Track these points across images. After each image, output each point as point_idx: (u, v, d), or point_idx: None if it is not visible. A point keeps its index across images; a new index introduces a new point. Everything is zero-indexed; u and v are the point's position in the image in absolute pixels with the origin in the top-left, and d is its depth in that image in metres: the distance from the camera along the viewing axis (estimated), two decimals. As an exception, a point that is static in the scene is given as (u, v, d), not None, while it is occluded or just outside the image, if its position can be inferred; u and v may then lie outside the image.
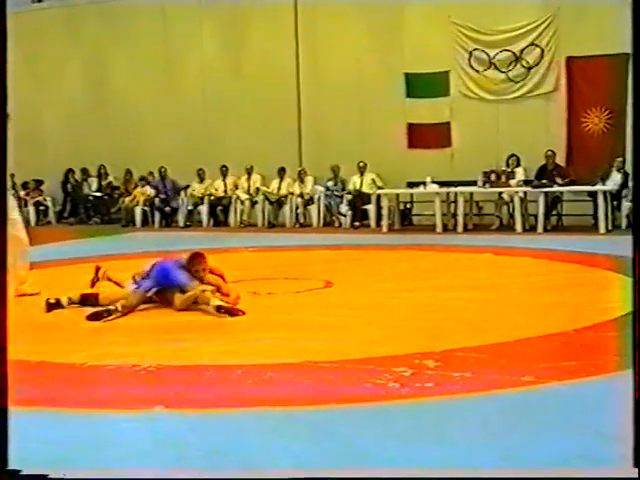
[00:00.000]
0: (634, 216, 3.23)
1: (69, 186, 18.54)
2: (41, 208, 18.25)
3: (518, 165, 14.27)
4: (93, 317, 6.61)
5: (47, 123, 18.21)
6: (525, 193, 13.75)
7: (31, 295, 7.88)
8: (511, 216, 14.04)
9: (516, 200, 13.64)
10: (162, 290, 7.08)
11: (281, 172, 16.18)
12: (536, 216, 13.48)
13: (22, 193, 17.76)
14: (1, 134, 2.97)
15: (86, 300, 7.09)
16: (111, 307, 6.75)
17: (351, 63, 16.07)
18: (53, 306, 7.03)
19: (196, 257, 7.25)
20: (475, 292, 7.51)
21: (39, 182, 18.34)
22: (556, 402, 4.22)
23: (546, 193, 13.43)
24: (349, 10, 15.92)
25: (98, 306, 6.89)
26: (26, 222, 8.85)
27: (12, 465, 3.09)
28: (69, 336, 6.20)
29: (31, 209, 17.80)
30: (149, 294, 7.13)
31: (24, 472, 3.00)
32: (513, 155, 14.31)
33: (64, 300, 7.11)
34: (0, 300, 2.95)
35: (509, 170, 14.19)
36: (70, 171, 18.45)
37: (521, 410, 4.12)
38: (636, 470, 2.91)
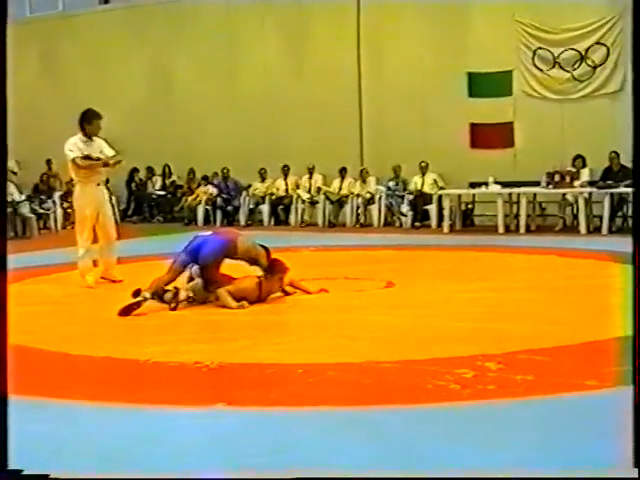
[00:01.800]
0: (634, 216, 3.17)
1: (134, 185, 18.76)
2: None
3: (584, 166, 14.06)
4: (124, 312, 6.64)
5: (111, 122, 18.38)
6: (590, 194, 13.55)
7: (114, 282, 8.47)
8: (575, 217, 13.84)
9: (580, 201, 13.44)
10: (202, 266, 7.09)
11: (342, 172, 16.19)
12: (601, 217, 13.28)
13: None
14: (1, 134, 3.00)
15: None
16: (139, 298, 6.77)
17: (413, 62, 15.98)
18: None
19: (278, 265, 7.31)
20: (538, 294, 7.43)
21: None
22: (621, 407, 4.14)
23: (612, 194, 13.21)
24: (412, 9, 15.84)
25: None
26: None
27: (74, 458, 3.13)
28: (135, 332, 6.28)
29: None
30: (188, 271, 7.16)
31: (26, 472, 3.04)
32: (579, 156, 14.09)
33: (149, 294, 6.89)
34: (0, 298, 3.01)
35: (574, 171, 13.98)
36: (135, 170, 18.67)
37: (584, 415, 4.05)
38: (636, 470, 2.87)
